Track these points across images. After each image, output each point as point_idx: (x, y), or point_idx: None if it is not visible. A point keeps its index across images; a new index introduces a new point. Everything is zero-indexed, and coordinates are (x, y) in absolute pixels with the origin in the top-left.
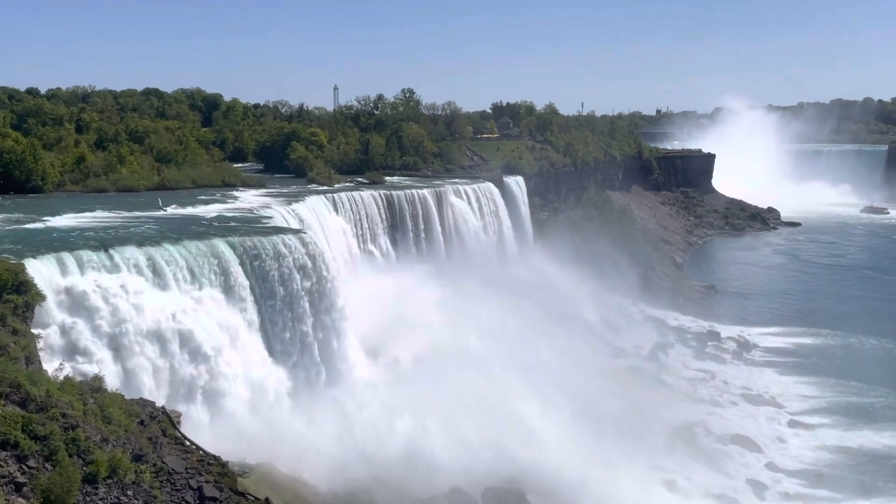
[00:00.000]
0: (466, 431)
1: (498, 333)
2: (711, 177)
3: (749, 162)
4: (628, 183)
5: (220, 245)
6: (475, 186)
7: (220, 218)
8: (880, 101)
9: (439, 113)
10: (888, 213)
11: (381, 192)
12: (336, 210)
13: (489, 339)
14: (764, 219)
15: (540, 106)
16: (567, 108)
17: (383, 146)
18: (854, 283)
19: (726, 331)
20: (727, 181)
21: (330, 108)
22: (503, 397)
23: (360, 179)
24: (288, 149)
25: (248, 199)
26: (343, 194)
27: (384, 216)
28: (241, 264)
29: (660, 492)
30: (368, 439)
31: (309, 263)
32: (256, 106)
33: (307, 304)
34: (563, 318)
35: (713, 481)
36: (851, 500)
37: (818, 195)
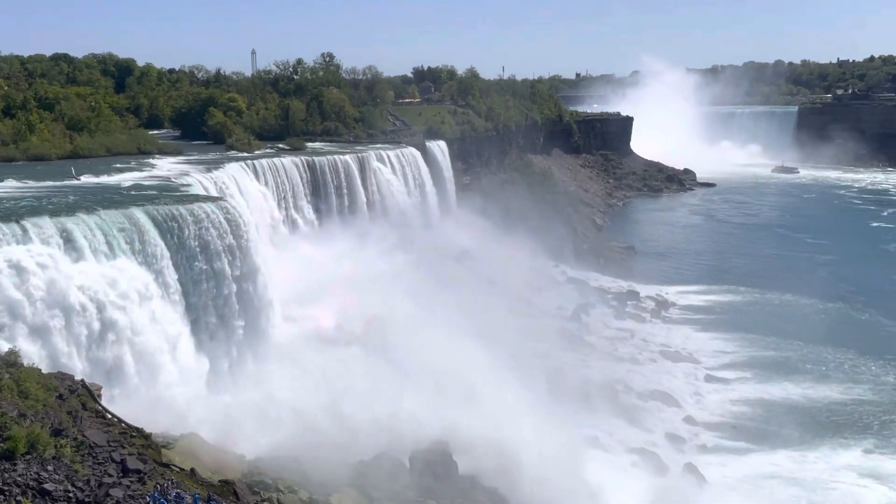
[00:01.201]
0: (392, 395)
1: (422, 297)
2: (630, 139)
3: (666, 124)
4: (549, 146)
5: (138, 214)
6: (398, 151)
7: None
8: (791, 64)
9: (360, 78)
10: (798, 172)
11: (303, 158)
12: (257, 177)
13: (413, 303)
14: (680, 180)
15: (461, 70)
16: (488, 73)
17: (304, 112)
18: (767, 242)
19: (645, 290)
20: (645, 144)
21: (248, 73)
22: (428, 360)
23: (280, 146)
24: (205, 115)
25: (165, 167)
26: (264, 161)
27: (306, 183)
28: (160, 234)
29: (582, 448)
30: (294, 406)
31: (230, 231)
32: (171, 71)
33: (228, 273)
34: (487, 280)
35: (634, 436)
36: (766, 451)
37: (732, 156)
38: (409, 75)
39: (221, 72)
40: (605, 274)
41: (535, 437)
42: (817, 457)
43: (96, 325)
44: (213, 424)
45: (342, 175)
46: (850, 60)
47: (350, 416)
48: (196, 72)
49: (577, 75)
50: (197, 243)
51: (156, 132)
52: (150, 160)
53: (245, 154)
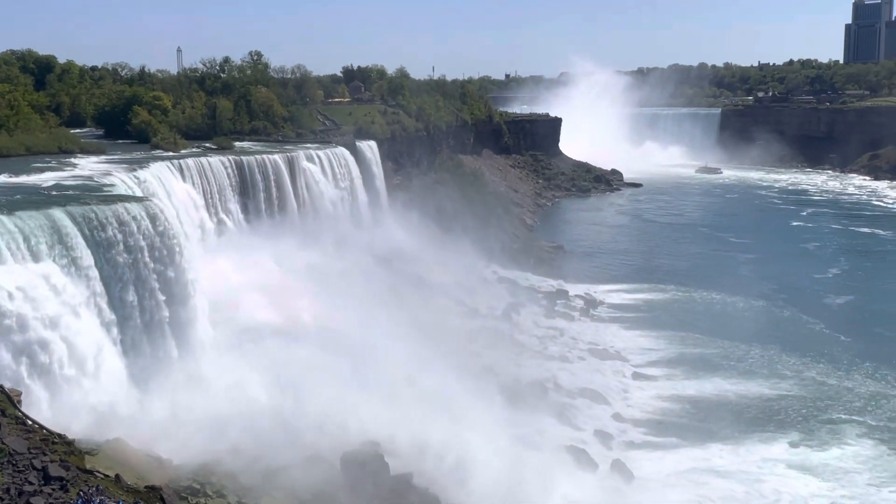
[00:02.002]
0: (322, 397)
1: (353, 298)
2: (559, 140)
3: (594, 125)
4: (479, 147)
5: (59, 215)
6: (328, 151)
7: None
8: (714, 67)
9: (289, 76)
10: (721, 172)
11: (231, 157)
12: (183, 177)
13: (344, 304)
14: (608, 180)
15: (391, 70)
16: (418, 73)
17: (231, 111)
18: (692, 241)
19: (574, 289)
20: (573, 144)
21: (174, 71)
22: (359, 361)
23: (207, 145)
24: (129, 113)
25: (88, 167)
26: (190, 160)
27: (234, 182)
28: (82, 235)
29: (512, 446)
30: (222, 410)
31: (155, 232)
32: (94, 69)
33: (154, 275)
34: (418, 281)
35: (563, 434)
36: (693, 446)
37: (658, 157)
38: (339, 74)
39: (146, 69)
40: (536, 273)
41: (467, 436)
42: (744, 450)
43: (17, 330)
44: (139, 429)
45: (271, 175)
46: (771, 64)
47: (280, 417)
48: (120, 69)
49: (507, 76)
50: (121, 244)
51: (78, 131)
52: (72, 159)
53: (171, 153)
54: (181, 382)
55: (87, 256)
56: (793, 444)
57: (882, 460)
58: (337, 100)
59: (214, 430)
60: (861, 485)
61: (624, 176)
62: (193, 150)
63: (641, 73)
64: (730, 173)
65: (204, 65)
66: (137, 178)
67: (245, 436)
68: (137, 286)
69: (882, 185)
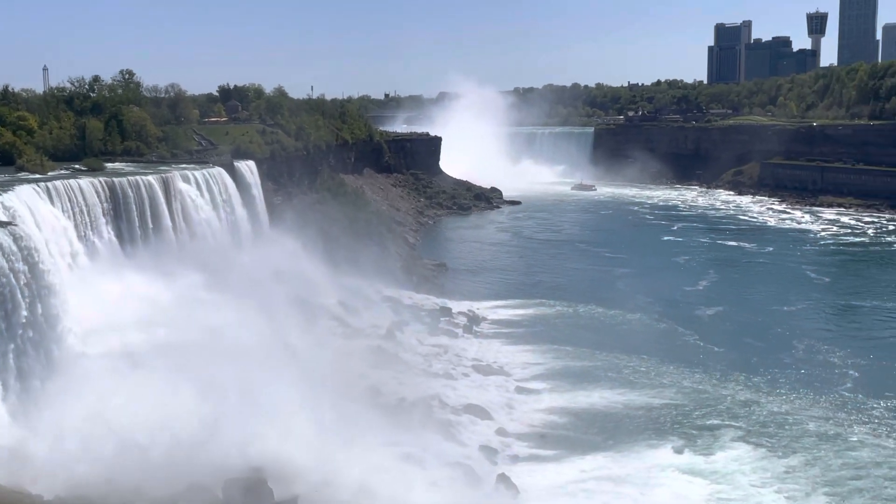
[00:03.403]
0: (203, 424)
1: (233, 320)
2: (439, 159)
3: (473, 144)
4: (361, 166)
5: None
6: (205, 172)
7: None
8: (586, 87)
9: (162, 96)
10: (595, 189)
11: (102, 179)
12: (51, 200)
13: (224, 327)
14: (488, 198)
15: (269, 89)
16: (297, 92)
17: (102, 131)
18: (570, 256)
19: (457, 306)
20: (454, 163)
21: (39, 90)
22: (240, 385)
23: (77, 166)
24: None
25: None
26: (59, 183)
27: (106, 205)
28: None
29: (398, 465)
30: (96, 441)
31: (21, 258)
32: None
33: (22, 302)
34: (300, 302)
35: (449, 451)
36: (574, 457)
37: (535, 175)
38: (215, 93)
39: (10, 89)
40: (419, 291)
41: (352, 457)
42: (632, 458)
43: None
44: (12, 468)
45: (145, 196)
46: (640, 84)
47: (157, 447)
48: None
49: (386, 96)
50: None
51: None
52: None
53: (38, 175)
54: (49, 413)
55: None
56: (677, 450)
57: (762, 462)
58: (213, 119)
59: (92, 462)
60: (746, 486)
61: (503, 194)
62: (62, 171)
63: (518, 93)
64: (604, 190)
65: (72, 84)
66: (1, 202)
67: (124, 466)
68: (3, 315)
69: (746, 200)
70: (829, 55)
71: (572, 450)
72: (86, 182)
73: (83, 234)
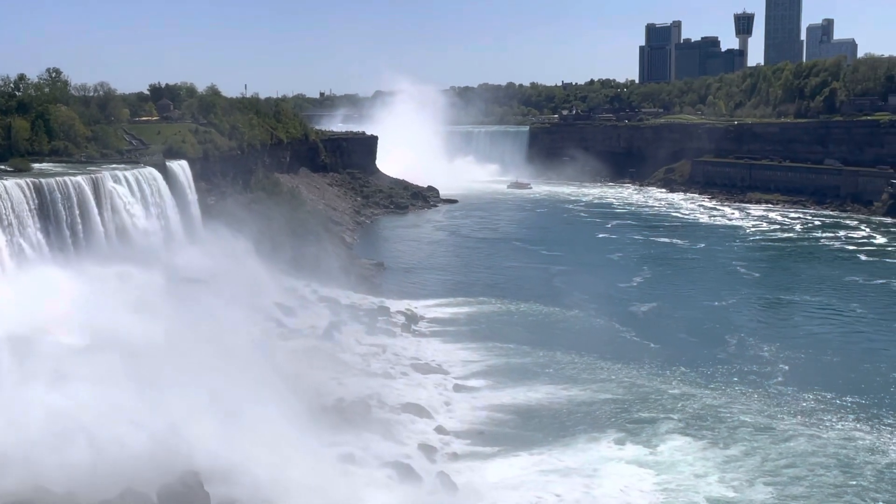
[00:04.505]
0: (135, 429)
1: (165, 322)
2: (375, 158)
3: (409, 143)
4: (296, 165)
5: None
6: (136, 172)
7: None
8: (521, 86)
9: (91, 94)
10: (531, 188)
11: (28, 180)
12: None
13: (155, 329)
14: (425, 197)
15: (202, 87)
16: (230, 91)
17: (28, 130)
18: (507, 254)
19: (395, 305)
20: (390, 162)
21: None
22: (174, 389)
23: (2, 167)
24: None
25: None
26: None
27: (34, 206)
28: None
29: (337, 466)
30: (26, 448)
31: None
32: None
33: None
34: (234, 302)
35: (388, 450)
36: (511, 453)
37: (472, 173)
38: (146, 92)
39: None
40: (356, 291)
41: (291, 458)
42: (572, 453)
43: None
44: None
45: (74, 197)
46: (574, 83)
47: (90, 451)
48: None
49: (322, 94)
50: None
51: None
52: None
53: None
54: None
55: None
56: (619, 443)
57: (703, 453)
58: (145, 118)
59: (19, 468)
60: (690, 475)
61: (440, 192)
62: None
63: (454, 92)
64: (540, 188)
65: None
66: None
67: (56, 472)
68: None
69: (677, 197)
70: (756, 55)
71: (512, 446)
72: (11, 183)
73: (10, 236)
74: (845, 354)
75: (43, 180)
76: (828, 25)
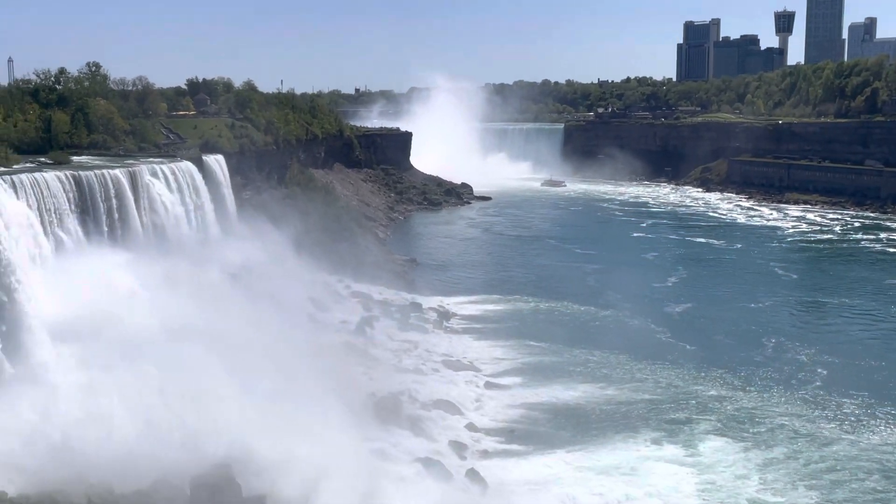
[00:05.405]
0: (170, 420)
1: (200, 316)
2: (410, 154)
3: (444, 140)
4: (331, 161)
5: None
6: (173, 166)
7: None
8: (556, 83)
9: (130, 89)
10: (565, 185)
11: (68, 172)
12: (16, 194)
13: (191, 323)
14: (459, 194)
15: (238, 83)
16: (267, 86)
17: (68, 124)
18: (540, 252)
19: (428, 301)
20: (424, 158)
21: (4, 82)
22: (208, 382)
23: (42, 160)
24: None
25: None
26: (24, 176)
27: (73, 199)
28: None
29: (368, 461)
30: (62, 436)
31: None
32: None
33: None
34: (268, 297)
35: (419, 446)
36: (544, 451)
37: (506, 171)
38: (184, 87)
39: None
40: (389, 287)
41: (321, 452)
42: (607, 452)
43: None
44: None
45: (112, 190)
46: (610, 81)
47: (125, 442)
48: None
49: (357, 91)
50: None
51: None
52: None
53: (2, 168)
54: (18, 409)
55: None
56: (656, 442)
57: (743, 454)
58: (182, 113)
59: (53, 456)
60: (731, 476)
61: (474, 189)
62: (27, 165)
63: (489, 89)
64: (574, 187)
65: (38, 76)
66: None
67: (93, 462)
68: None
69: (714, 197)
70: (796, 53)
71: (545, 444)
72: (52, 175)
73: (49, 228)
74: (886, 359)
75: (82, 173)
76: (870, 24)
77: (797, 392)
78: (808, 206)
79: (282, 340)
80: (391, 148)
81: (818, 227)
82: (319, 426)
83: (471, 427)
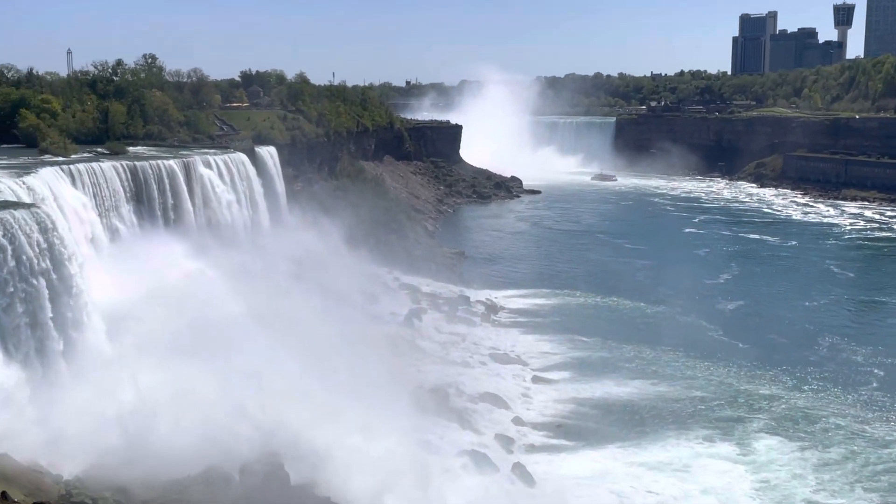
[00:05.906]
0: (221, 408)
1: (254, 306)
2: (459, 147)
3: (494, 133)
4: (381, 153)
5: None
6: (226, 157)
7: None
8: (608, 77)
9: (185, 80)
10: (616, 180)
11: (124, 162)
12: (74, 183)
13: (245, 313)
14: (508, 187)
15: (290, 75)
16: (318, 78)
17: (124, 114)
18: (589, 247)
19: (475, 295)
20: (474, 151)
21: (63, 73)
22: (260, 370)
23: (100, 150)
24: (16, 117)
25: None
26: (81, 165)
27: (128, 188)
28: None
29: (415, 452)
30: (116, 420)
31: (44, 241)
32: None
33: (44, 286)
34: (319, 288)
35: (465, 439)
36: (588, 447)
37: (556, 164)
38: (237, 79)
39: (34, 72)
40: (437, 279)
41: (369, 443)
42: (658, 448)
43: None
44: (28, 444)
45: (166, 181)
46: (663, 74)
47: (178, 428)
48: (6, 71)
49: (408, 83)
50: (7, 253)
51: None
52: None
53: (61, 158)
54: (74, 395)
55: None
56: (708, 440)
57: (798, 454)
58: (235, 105)
59: (107, 442)
60: (787, 476)
61: (523, 183)
62: (84, 154)
63: (540, 82)
64: (625, 181)
65: (95, 67)
66: (24, 184)
67: (140, 448)
68: (24, 295)
69: (768, 192)
70: (855, 47)
71: (594, 439)
72: (108, 165)
73: (105, 216)
74: None
75: (138, 163)
76: None
77: (853, 393)
78: (866, 202)
79: (333, 331)
80: (441, 140)
81: (876, 225)
82: (368, 416)
83: (517, 421)
